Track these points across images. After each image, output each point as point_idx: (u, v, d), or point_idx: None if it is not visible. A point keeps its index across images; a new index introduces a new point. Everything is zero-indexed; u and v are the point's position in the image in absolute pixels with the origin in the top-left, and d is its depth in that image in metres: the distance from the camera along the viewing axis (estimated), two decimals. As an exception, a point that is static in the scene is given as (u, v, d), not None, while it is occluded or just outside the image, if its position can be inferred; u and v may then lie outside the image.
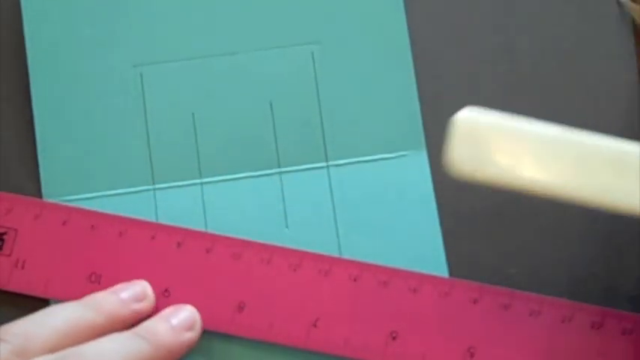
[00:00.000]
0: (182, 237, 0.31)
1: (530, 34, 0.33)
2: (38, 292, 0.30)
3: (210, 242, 0.31)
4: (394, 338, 0.30)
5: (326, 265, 0.30)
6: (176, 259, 0.31)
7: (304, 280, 0.30)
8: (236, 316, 0.30)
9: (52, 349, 0.27)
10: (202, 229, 0.31)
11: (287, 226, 0.31)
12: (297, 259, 0.30)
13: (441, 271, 0.31)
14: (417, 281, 0.30)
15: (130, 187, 0.32)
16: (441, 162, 0.32)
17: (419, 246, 0.31)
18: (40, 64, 0.32)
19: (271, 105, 0.32)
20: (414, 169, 0.32)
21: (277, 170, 0.32)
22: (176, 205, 0.31)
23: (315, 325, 0.30)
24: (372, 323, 0.30)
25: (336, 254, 0.31)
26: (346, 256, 0.31)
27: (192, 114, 0.32)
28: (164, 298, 0.30)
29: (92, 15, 0.33)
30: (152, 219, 0.31)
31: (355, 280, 0.30)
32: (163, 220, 0.31)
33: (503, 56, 0.33)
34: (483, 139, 0.23)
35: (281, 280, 0.30)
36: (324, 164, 0.32)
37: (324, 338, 0.30)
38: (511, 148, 0.24)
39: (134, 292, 0.30)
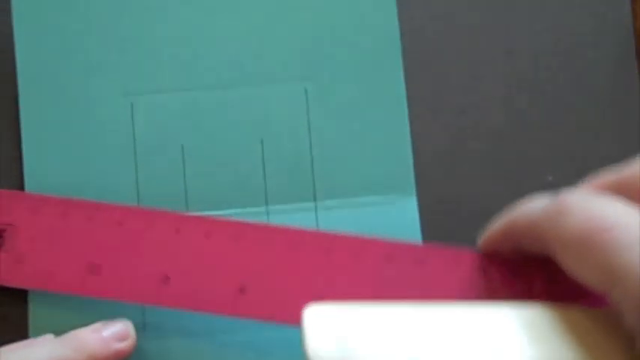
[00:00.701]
0: (180, 223, 0.30)
1: (531, 35, 0.33)
2: (39, 286, 0.30)
3: (209, 226, 0.30)
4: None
5: (327, 243, 0.29)
6: (175, 246, 0.30)
7: (304, 259, 0.30)
8: (238, 299, 0.29)
9: None
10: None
11: None
12: (299, 237, 0.30)
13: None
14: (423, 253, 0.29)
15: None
16: (430, 208, 0.32)
17: None
18: (31, 91, 0.32)
19: (262, 141, 0.32)
20: (402, 214, 0.32)
21: (265, 208, 0.32)
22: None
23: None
24: (375, 299, 0.29)
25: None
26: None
27: (182, 146, 0.32)
28: (164, 286, 0.30)
29: (84, 42, 0.33)
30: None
31: (356, 257, 0.29)
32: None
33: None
34: (340, 328, 0.23)
35: (282, 260, 0.30)
36: (312, 204, 0.32)
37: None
38: (369, 335, 0.23)
39: (116, 331, 0.29)
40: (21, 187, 0.32)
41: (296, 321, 0.29)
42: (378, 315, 0.24)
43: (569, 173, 0.31)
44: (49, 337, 0.29)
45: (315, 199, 0.32)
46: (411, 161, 0.32)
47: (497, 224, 0.28)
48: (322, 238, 0.29)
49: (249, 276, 0.30)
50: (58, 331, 0.29)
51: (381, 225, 0.31)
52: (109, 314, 0.30)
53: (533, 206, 0.26)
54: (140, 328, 0.30)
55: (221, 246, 0.30)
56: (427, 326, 0.23)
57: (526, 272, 0.28)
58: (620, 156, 0.28)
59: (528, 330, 0.24)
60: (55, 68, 0.32)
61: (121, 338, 0.29)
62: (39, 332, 0.30)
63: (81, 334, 0.29)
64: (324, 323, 0.23)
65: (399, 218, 0.32)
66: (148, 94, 0.32)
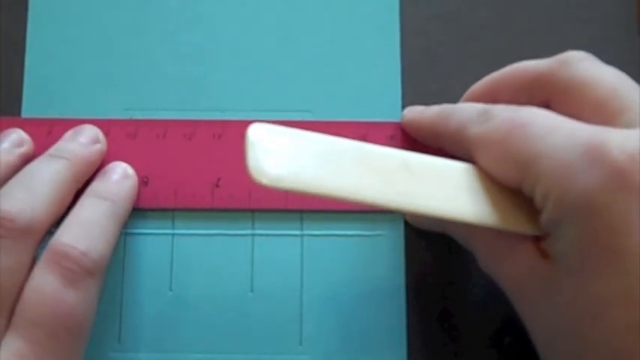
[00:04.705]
0: (164, 128, 0.32)
1: (533, 35, 0.33)
2: None
3: (191, 128, 0.32)
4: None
5: None
6: (157, 148, 0.32)
7: None
8: (215, 191, 0.32)
9: (56, 217, 0.29)
10: (167, 277, 0.32)
11: (252, 290, 0.31)
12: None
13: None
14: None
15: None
16: (416, 245, 0.32)
17: (380, 329, 0.31)
18: (36, 100, 0.33)
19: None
20: (388, 250, 0.32)
21: (251, 232, 0.32)
22: (145, 251, 0.32)
23: None
24: None
25: (297, 328, 0.31)
26: (306, 333, 0.31)
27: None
28: (143, 187, 0.32)
29: (91, 57, 0.33)
30: (119, 263, 0.32)
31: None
32: (130, 266, 0.32)
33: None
34: (280, 149, 0.24)
35: None
36: (299, 232, 0.32)
37: (300, 196, 0.30)
38: (305, 158, 0.24)
39: (89, 135, 0.31)
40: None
41: (274, 205, 0.31)
42: (313, 136, 0.25)
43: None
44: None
45: (302, 228, 0.32)
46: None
47: (429, 115, 0.31)
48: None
49: (225, 170, 0.32)
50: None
51: (366, 259, 0.32)
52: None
53: (463, 111, 0.28)
54: (115, 340, 0.31)
55: (203, 144, 0.32)
56: (359, 151, 0.26)
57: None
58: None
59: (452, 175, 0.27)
60: (60, 79, 0.33)
61: (95, 141, 0.31)
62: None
63: (62, 145, 0.31)
64: (263, 136, 0.24)
65: (384, 255, 0.32)
66: (148, 110, 0.33)
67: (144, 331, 0.31)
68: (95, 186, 0.30)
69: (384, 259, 0.32)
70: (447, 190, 0.26)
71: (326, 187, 0.24)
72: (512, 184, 0.26)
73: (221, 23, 0.34)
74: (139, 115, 0.33)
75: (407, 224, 0.32)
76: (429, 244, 0.32)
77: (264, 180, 0.23)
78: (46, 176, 0.29)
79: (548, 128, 0.25)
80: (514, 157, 0.25)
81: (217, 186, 0.32)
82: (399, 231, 0.32)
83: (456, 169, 0.27)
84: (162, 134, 0.32)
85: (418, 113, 0.31)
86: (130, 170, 0.32)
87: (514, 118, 0.26)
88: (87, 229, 0.28)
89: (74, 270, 0.27)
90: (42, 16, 0.34)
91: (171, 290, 0.31)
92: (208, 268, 0.32)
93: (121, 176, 0.31)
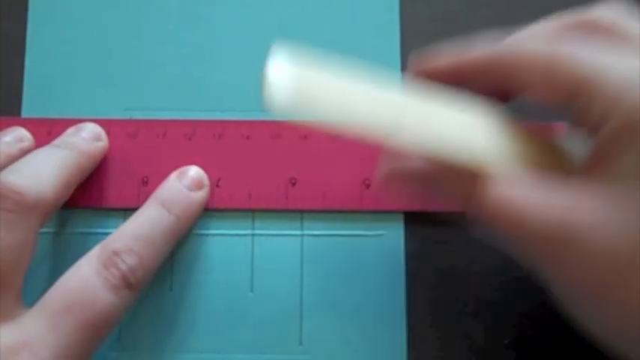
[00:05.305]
0: (164, 128, 0.32)
1: None
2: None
3: (191, 128, 0.32)
4: None
5: (304, 130, 0.32)
6: (157, 148, 0.32)
7: (283, 146, 0.32)
8: (215, 191, 0.32)
9: (60, 201, 0.29)
10: (167, 277, 0.32)
11: (252, 290, 0.31)
12: (277, 128, 0.32)
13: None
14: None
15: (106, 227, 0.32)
16: (417, 245, 0.32)
17: (380, 329, 0.31)
18: (36, 99, 0.33)
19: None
20: (388, 250, 0.32)
21: (251, 232, 0.32)
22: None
23: (293, 184, 0.31)
24: (349, 175, 0.32)
25: (297, 328, 0.31)
26: (306, 333, 0.31)
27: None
28: (143, 186, 0.32)
29: (92, 57, 0.33)
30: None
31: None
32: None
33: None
34: (302, 83, 0.23)
35: (260, 150, 0.32)
36: (299, 232, 0.32)
37: (302, 195, 0.31)
38: (328, 92, 0.24)
39: (91, 131, 0.32)
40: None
41: (272, 204, 0.31)
42: (331, 73, 0.24)
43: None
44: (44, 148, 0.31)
45: (302, 227, 0.32)
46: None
47: (448, 55, 0.28)
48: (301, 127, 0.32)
49: (226, 170, 0.32)
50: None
51: (367, 259, 0.32)
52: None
53: (487, 45, 0.27)
54: (115, 340, 0.31)
55: (204, 144, 0.32)
56: (374, 91, 0.24)
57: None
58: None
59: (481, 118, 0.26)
60: (59, 79, 0.33)
61: (97, 138, 0.32)
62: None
63: (65, 138, 0.31)
64: (280, 66, 0.24)
65: (385, 254, 0.32)
66: (148, 110, 0.33)
67: (144, 331, 0.31)
68: (163, 194, 0.30)
69: (384, 259, 0.32)
70: (468, 131, 0.25)
71: (339, 118, 0.23)
72: (562, 104, 0.24)
73: (221, 23, 0.34)
74: (139, 115, 0.33)
75: (407, 224, 0.32)
76: (430, 244, 0.32)
77: (279, 108, 0.22)
78: (52, 162, 0.29)
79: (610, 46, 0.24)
80: (565, 76, 0.24)
81: (217, 186, 0.32)
82: (399, 231, 0.32)
83: (478, 115, 0.26)
84: (162, 134, 0.32)
85: (432, 59, 0.28)
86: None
87: (554, 37, 0.25)
88: (143, 242, 0.28)
89: (120, 278, 0.27)
90: (42, 16, 0.34)
91: (171, 290, 0.31)
92: (208, 268, 0.32)
93: (191, 188, 0.31)
